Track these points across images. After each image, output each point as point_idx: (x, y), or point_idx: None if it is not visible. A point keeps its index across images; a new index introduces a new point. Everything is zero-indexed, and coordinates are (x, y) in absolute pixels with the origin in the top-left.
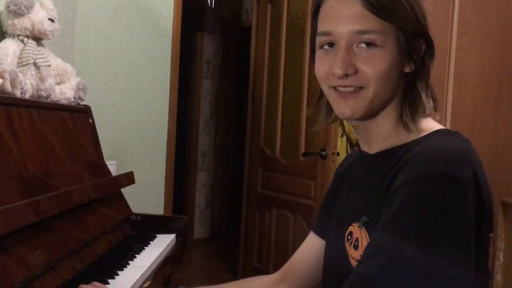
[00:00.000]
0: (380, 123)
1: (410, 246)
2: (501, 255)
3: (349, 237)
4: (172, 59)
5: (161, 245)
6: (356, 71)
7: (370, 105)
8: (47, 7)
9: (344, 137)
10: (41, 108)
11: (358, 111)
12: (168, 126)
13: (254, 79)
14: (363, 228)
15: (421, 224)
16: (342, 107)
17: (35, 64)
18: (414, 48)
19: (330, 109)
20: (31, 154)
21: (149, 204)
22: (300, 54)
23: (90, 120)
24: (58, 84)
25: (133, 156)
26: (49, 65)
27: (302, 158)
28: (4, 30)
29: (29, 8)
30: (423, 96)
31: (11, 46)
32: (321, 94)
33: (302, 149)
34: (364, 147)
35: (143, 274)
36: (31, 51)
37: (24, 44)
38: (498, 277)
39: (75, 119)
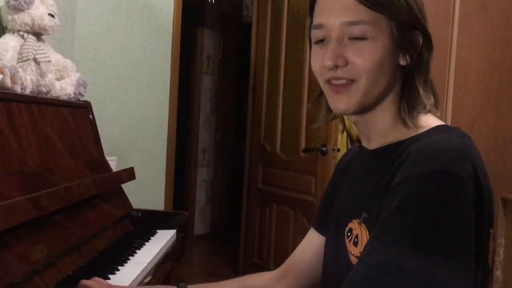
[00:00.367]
0: (378, 118)
1: (409, 245)
2: (501, 251)
3: (348, 234)
4: (172, 54)
5: (161, 240)
6: (346, 63)
7: (363, 98)
8: (47, 2)
9: (345, 133)
10: (41, 104)
11: (352, 105)
12: (169, 122)
13: (254, 75)
14: (363, 224)
15: (420, 223)
16: (336, 102)
17: (35, 59)
18: (409, 40)
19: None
20: (32, 150)
21: (149, 200)
22: (300, 50)
23: (91, 116)
24: (58, 79)
25: (133, 152)
26: (49, 61)
27: (302, 154)
28: (4, 25)
29: (29, 3)
30: (421, 91)
31: (11, 41)
32: (321, 91)
33: (303, 145)
34: (364, 143)
35: (143, 269)
36: (31, 47)
37: (24, 40)
38: (498, 273)
39: (75, 115)
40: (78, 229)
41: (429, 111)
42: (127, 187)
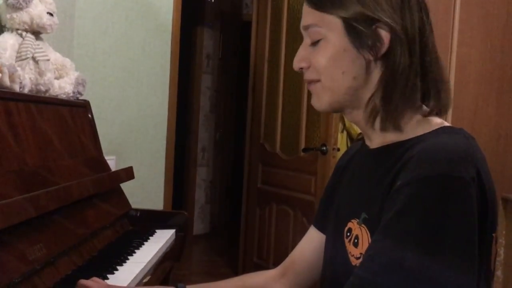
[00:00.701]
0: (367, 117)
1: (412, 249)
2: (501, 251)
3: (348, 234)
4: (171, 53)
5: (160, 240)
6: (309, 65)
7: (330, 96)
8: (46, 1)
9: (345, 132)
10: (40, 103)
11: (323, 104)
12: (168, 121)
13: (254, 74)
14: (363, 225)
15: (423, 227)
16: (312, 99)
17: (33, 58)
18: (367, 35)
19: None
20: (30, 149)
21: (148, 199)
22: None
23: (89, 115)
24: (57, 78)
25: (132, 151)
26: (48, 60)
27: (302, 154)
28: (2, 24)
29: (28, 1)
30: (398, 90)
31: (9, 40)
32: None
33: (303, 145)
34: (366, 141)
35: (142, 269)
36: (30, 45)
37: (23, 38)
38: (499, 273)
39: (74, 114)
40: (76, 228)
41: (432, 113)
42: (126, 186)
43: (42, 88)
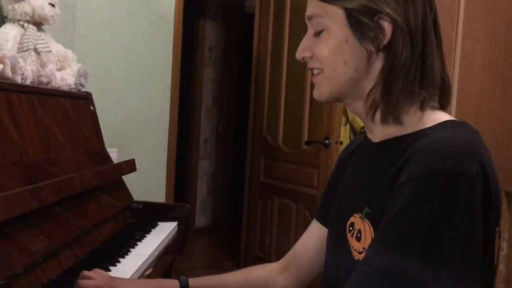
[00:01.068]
0: (368, 109)
1: (415, 245)
2: (504, 246)
3: (350, 228)
4: (174, 46)
5: (162, 232)
6: (312, 55)
7: (331, 86)
8: None
9: (348, 125)
10: (41, 95)
11: (324, 93)
12: (170, 114)
13: (257, 67)
14: (366, 220)
15: (427, 222)
16: (314, 90)
17: (35, 49)
18: (368, 27)
19: None
20: (32, 141)
21: (150, 192)
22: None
23: (91, 107)
24: (59, 70)
25: (134, 143)
26: (50, 51)
27: (305, 147)
28: (4, 15)
29: None
30: (398, 83)
31: (11, 31)
32: None
33: (305, 138)
34: (368, 134)
35: (144, 261)
36: (32, 37)
37: (25, 29)
38: (501, 267)
39: (76, 106)
40: (78, 220)
41: (422, 106)
42: (128, 179)
43: (44, 80)
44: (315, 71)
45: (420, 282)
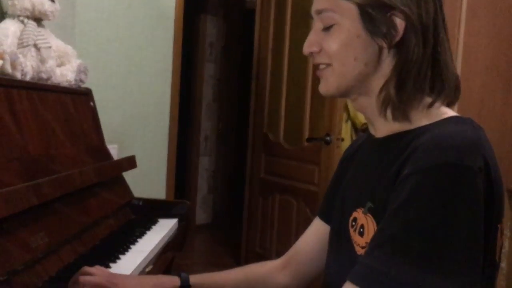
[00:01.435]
0: (374, 103)
1: (418, 237)
2: (506, 243)
3: (353, 223)
4: (174, 41)
5: (163, 229)
6: (320, 49)
7: (339, 81)
8: None
9: (349, 122)
10: (41, 90)
11: (330, 88)
12: (170, 110)
13: (258, 63)
14: (369, 214)
15: (430, 215)
16: (320, 84)
17: (35, 45)
18: (381, 22)
19: None
20: (32, 137)
21: (150, 189)
22: (305, 37)
23: (91, 103)
24: (58, 66)
25: (134, 139)
26: (50, 47)
27: (306, 144)
28: (4, 10)
29: None
30: (411, 80)
31: (11, 27)
32: None
33: (306, 134)
34: (371, 130)
35: (145, 258)
36: (32, 32)
37: (24, 25)
38: (503, 265)
39: (76, 102)
40: (79, 217)
41: (433, 103)
42: (128, 175)
43: (44, 76)
44: (322, 66)
45: (422, 274)
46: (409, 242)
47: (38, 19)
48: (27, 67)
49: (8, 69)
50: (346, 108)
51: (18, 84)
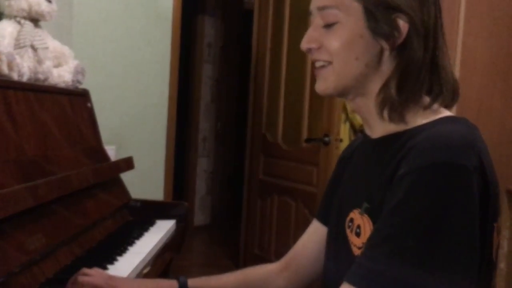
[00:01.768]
0: (373, 104)
1: (414, 236)
2: (505, 244)
3: (350, 224)
4: (172, 42)
5: (161, 231)
6: (319, 46)
7: (338, 80)
8: None
9: (347, 123)
10: (38, 91)
11: (328, 87)
12: (168, 111)
13: (256, 63)
14: (365, 215)
15: (425, 215)
16: (316, 83)
17: (32, 46)
18: (386, 24)
19: None
20: (29, 138)
21: (148, 190)
22: (303, 37)
23: (89, 104)
24: (56, 67)
25: (132, 140)
26: (47, 47)
27: (304, 144)
28: (0, 11)
29: None
30: (411, 82)
31: (8, 27)
32: None
33: (305, 135)
34: (368, 131)
35: (142, 259)
36: (28, 33)
37: (21, 26)
38: (502, 265)
39: (73, 103)
40: (76, 218)
41: (430, 106)
42: (126, 176)
43: (41, 77)
44: (319, 63)
45: (418, 274)
46: (405, 241)
47: (35, 20)
48: (24, 68)
49: (5, 70)
50: (345, 109)
51: (15, 85)
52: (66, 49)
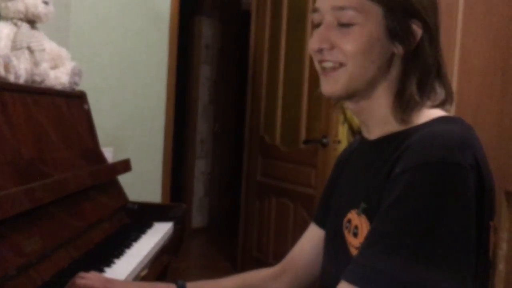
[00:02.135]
0: (375, 107)
1: (410, 234)
2: (504, 245)
3: (347, 224)
4: (169, 43)
5: (158, 233)
6: (332, 47)
7: (349, 83)
8: None
9: (346, 124)
10: (35, 93)
11: (338, 89)
12: (166, 112)
13: (254, 64)
14: (362, 215)
15: (422, 212)
16: (324, 85)
17: (29, 48)
18: (402, 29)
19: None
20: (25, 140)
21: (146, 192)
22: (301, 39)
23: (86, 106)
24: (52, 68)
25: (130, 142)
26: (44, 49)
27: (302, 146)
28: None
29: None
30: (413, 85)
31: (4, 29)
32: None
33: (303, 137)
34: (365, 133)
35: (140, 262)
36: (25, 35)
37: (18, 28)
38: (501, 267)
39: (70, 105)
40: (73, 221)
41: (435, 106)
42: (123, 178)
43: (38, 79)
44: (329, 64)
45: (415, 271)
46: (402, 239)
47: (32, 22)
48: (20, 69)
49: (1, 72)
50: (343, 110)
51: (11, 87)
52: (63, 51)
